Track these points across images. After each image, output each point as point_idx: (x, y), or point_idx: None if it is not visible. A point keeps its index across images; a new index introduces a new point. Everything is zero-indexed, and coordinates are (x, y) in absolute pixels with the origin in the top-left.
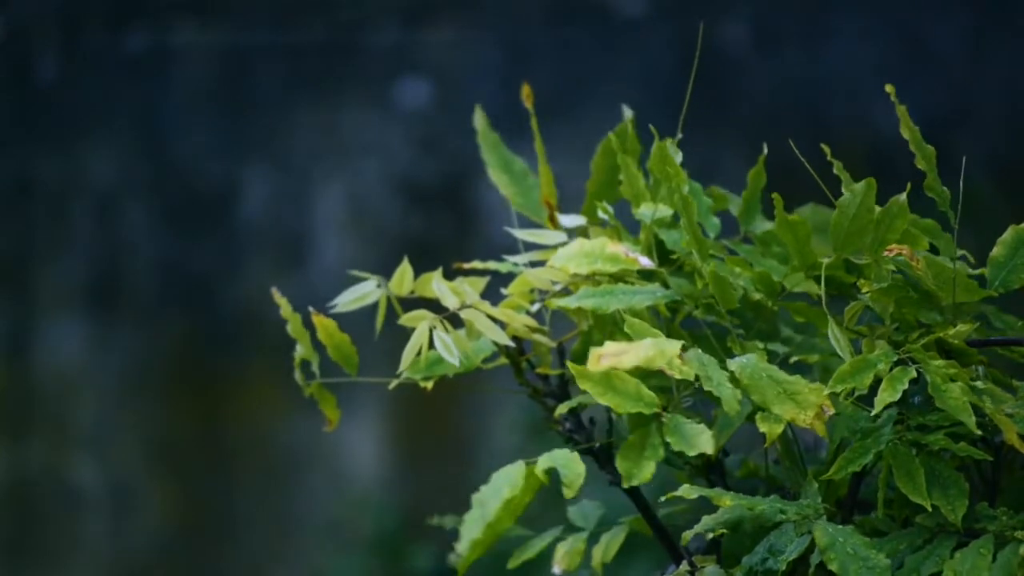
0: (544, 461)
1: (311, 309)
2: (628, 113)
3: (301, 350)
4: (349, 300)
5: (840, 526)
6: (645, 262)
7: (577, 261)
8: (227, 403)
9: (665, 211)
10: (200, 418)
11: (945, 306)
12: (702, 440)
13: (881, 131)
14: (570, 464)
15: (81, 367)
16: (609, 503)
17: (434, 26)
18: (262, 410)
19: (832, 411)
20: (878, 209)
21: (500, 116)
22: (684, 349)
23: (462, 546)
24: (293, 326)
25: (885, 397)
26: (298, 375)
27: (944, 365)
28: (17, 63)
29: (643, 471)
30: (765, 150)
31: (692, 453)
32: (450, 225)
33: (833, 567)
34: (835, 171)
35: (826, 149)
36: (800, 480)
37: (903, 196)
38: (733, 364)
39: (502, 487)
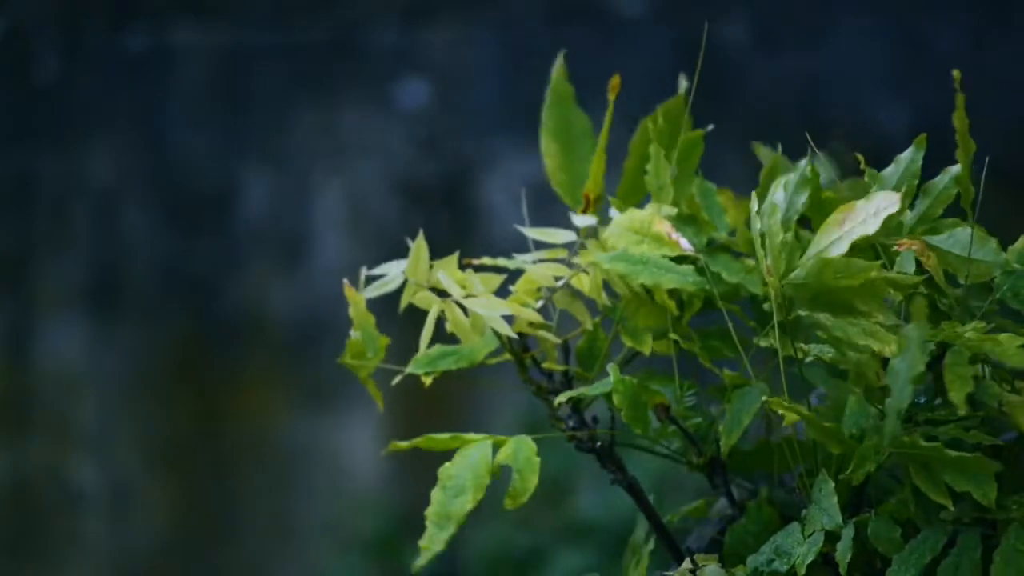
0: (507, 452)
1: (345, 281)
2: (683, 84)
3: (357, 334)
4: (378, 285)
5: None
6: (686, 245)
7: (627, 239)
8: (227, 403)
9: (669, 210)
10: (200, 418)
11: (956, 302)
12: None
13: (881, 131)
14: (526, 470)
15: (81, 367)
16: (611, 502)
17: (434, 26)
18: (262, 410)
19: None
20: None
21: (499, 116)
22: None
23: (423, 561)
24: (356, 310)
25: (958, 387)
26: (349, 359)
27: (975, 333)
28: (17, 63)
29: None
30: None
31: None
32: (450, 225)
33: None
34: (867, 178)
35: (860, 157)
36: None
37: (955, 167)
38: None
39: (467, 486)
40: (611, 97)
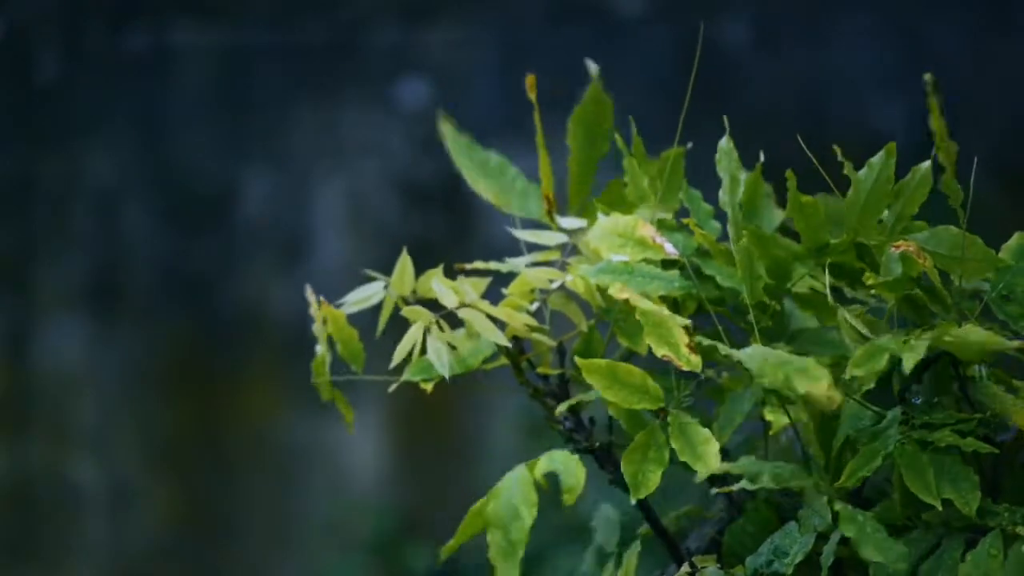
0: (544, 463)
1: (322, 299)
2: (592, 67)
3: (322, 349)
4: (355, 300)
5: (861, 511)
6: (670, 249)
7: (609, 242)
8: (227, 403)
9: (664, 213)
10: (200, 418)
11: (949, 304)
12: (708, 452)
13: (881, 131)
14: (570, 467)
15: (81, 367)
16: (611, 503)
17: (434, 26)
18: (262, 410)
19: (839, 397)
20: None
21: (499, 116)
22: (691, 334)
23: None
24: (319, 324)
25: (909, 363)
26: (321, 375)
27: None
28: (17, 63)
29: (649, 479)
30: (762, 157)
31: (698, 468)
32: (449, 225)
33: (850, 533)
34: (845, 171)
35: (837, 150)
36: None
37: (926, 164)
38: (738, 354)
39: (520, 508)
40: (531, 96)
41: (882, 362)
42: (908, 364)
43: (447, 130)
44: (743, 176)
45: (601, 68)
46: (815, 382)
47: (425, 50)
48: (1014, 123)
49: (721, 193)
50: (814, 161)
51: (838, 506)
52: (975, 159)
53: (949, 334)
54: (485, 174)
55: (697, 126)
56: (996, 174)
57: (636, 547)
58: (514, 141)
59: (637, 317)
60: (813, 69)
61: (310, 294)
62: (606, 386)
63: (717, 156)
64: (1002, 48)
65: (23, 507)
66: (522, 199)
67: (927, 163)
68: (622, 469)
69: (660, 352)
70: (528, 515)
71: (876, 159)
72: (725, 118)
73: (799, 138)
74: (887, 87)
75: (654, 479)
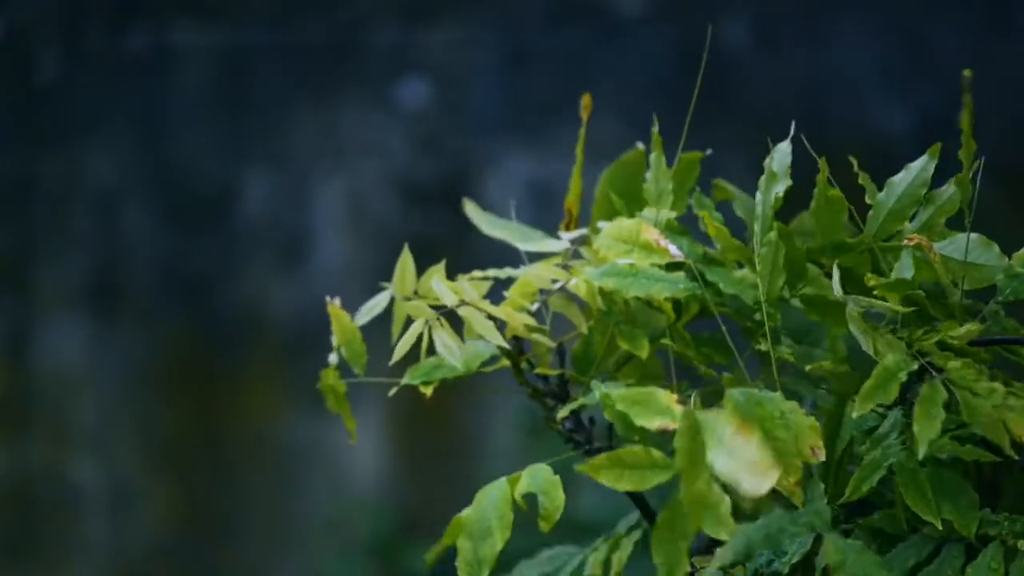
0: (525, 483)
1: (328, 299)
2: (639, 145)
3: (335, 359)
4: (366, 312)
5: (850, 541)
6: (675, 252)
7: (615, 248)
8: (227, 403)
9: (669, 214)
10: (200, 418)
11: (953, 303)
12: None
13: (881, 131)
14: (551, 491)
15: (81, 367)
16: (609, 503)
17: (434, 26)
18: (262, 410)
19: (823, 454)
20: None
21: (499, 116)
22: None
23: None
24: (340, 327)
25: (924, 428)
26: (330, 384)
27: (964, 371)
28: (17, 63)
29: (681, 560)
30: (788, 183)
31: (716, 535)
32: (450, 225)
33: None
34: (860, 181)
35: (853, 161)
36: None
37: (964, 176)
38: (730, 400)
39: (493, 527)
40: (584, 117)
41: (894, 392)
42: (925, 433)
43: (472, 210)
44: (786, 177)
45: (601, 68)
46: (784, 474)
47: (425, 50)
48: (1014, 123)
49: (758, 192)
50: (817, 161)
51: (830, 545)
52: (981, 160)
53: (951, 336)
54: (504, 228)
55: (698, 126)
56: (996, 175)
57: (634, 536)
58: (514, 141)
59: (616, 407)
60: (813, 69)
61: (330, 303)
62: (616, 479)
63: (770, 153)
64: (1002, 48)
65: (23, 507)
66: (542, 241)
67: (965, 174)
68: (654, 558)
69: (654, 425)
70: (500, 537)
71: (916, 163)
72: (793, 123)
73: (803, 139)
74: (887, 87)
75: (685, 561)
